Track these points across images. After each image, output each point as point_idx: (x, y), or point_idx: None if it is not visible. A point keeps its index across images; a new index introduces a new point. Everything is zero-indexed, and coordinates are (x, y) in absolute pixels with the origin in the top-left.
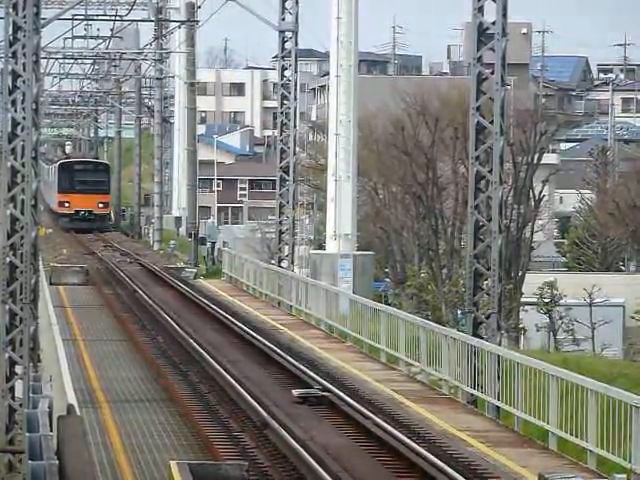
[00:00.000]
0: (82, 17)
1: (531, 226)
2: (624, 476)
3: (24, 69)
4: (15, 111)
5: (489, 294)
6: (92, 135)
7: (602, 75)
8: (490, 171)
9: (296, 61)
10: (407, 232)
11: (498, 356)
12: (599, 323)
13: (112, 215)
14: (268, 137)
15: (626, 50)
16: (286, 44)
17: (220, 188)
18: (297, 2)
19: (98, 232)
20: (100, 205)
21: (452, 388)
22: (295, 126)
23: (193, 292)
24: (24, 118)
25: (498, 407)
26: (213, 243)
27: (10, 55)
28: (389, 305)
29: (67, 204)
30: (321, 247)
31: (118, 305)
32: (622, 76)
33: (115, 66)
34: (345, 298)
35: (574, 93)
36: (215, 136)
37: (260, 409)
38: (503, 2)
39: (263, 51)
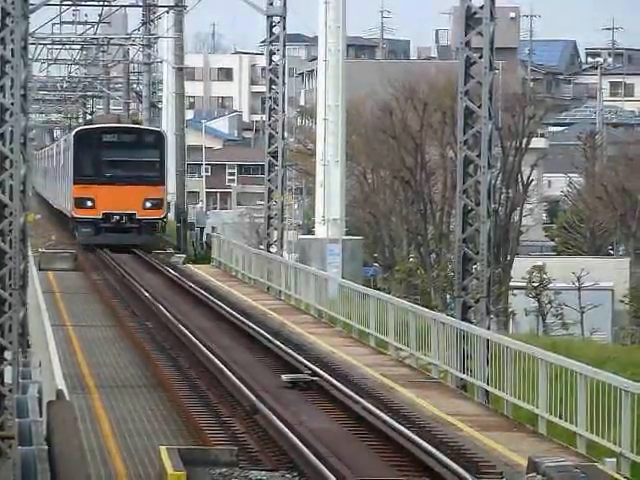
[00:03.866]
0: (70, 3)
1: (520, 210)
2: (614, 460)
3: (12, 55)
4: (3, 97)
5: (478, 278)
6: (81, 120)
7: (590, 59)
8: (478, 155)
9: (284, 46)
10: (396, 217)
11: (487, 340)
12: (588, 307)
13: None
14: (256, 122)
15: (614, 34)
16: (274, 29)
17: (208, 173)
18: None
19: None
20: (148, 205)
21: (441, 372)
22: (283, 111)
23: (182, 277)
24: (12, 104)
25: (487, 391)
26: (202, 228)
27: None
28: (378, 290)
29: (90, 203)
30: (310, 232)
31: (107, 291)
32: (610, 60)
33: (103, 51)
34: (334, 283)
35: (562, 77)
36: (203, 121)
37: (249, 394)
38: None
39: (251, 36)
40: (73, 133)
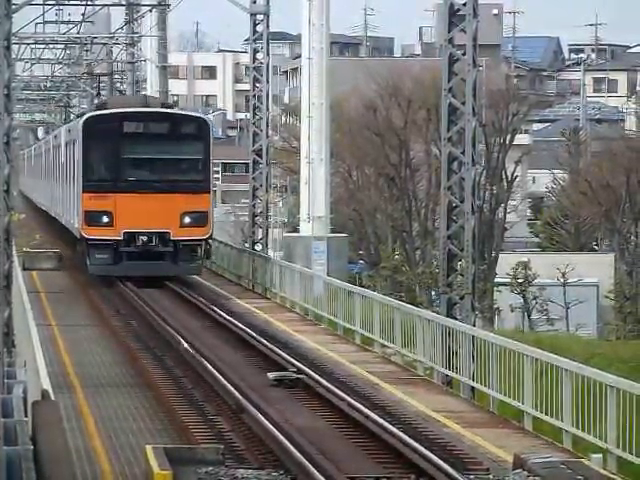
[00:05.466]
0: (53, 2)
1: (504, 207)
2: (600, 456)
3: None
4: None
5: (463, 275)
6: (64, 120)
7: (573, 55)
8: (463, 152)
9: (268, 44)
10: (381, 214)
11: (473, 337)
12: (573, 303)
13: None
14: (241, 120)
15: (597, 30)
16: (258, 27)
17: None
18: None
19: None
20: (187, 220)
21: (427, 369)
22: (267, 109)
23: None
24: None
25: (473, 388)
26: None
27: None
28: (363, 287)
29: (106, 219)
30: (295, 230)
31: (92, 290)
32: (593, 56)
33: (87, 51)
34: (319, 280)
35: (546, 73)
36: None
37: (235, 392)
38: None
39: (235, 34)
40: (82, 121)
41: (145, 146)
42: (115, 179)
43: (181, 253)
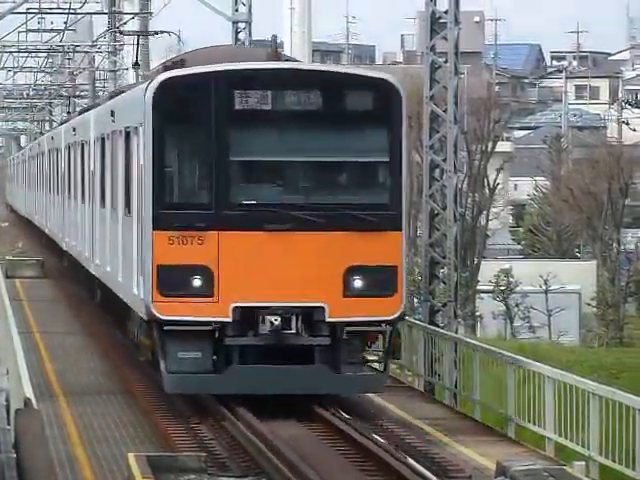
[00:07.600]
0: (36, 10)
1: (486, 214)
2: (582, 463)
3: None
4: None
5: (445, 282)
6: (47, 128)
7: (555, 62)
8: (444, 160)
9: None
10: None
11: (455, 344)
12: (555, 310)
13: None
14: None
15: (579, 37)
16: (240, 35)
17: None
18: None
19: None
20: (357, 285)
21: (409, 376)
22: None
23: None
24: None
25: (455, 395)
26: None
27: None
28: None
29: (199, 282)
30: None
31: (75, 298)
32: (575, 63)
33: (69, 59)
34: None
35: (527, 81)
36: None
37: (217, 403)
38: None
39: (217, 42)
40: (152, 89)
41: (276, 138)
42: (217, 204)
43: (346, 349)
